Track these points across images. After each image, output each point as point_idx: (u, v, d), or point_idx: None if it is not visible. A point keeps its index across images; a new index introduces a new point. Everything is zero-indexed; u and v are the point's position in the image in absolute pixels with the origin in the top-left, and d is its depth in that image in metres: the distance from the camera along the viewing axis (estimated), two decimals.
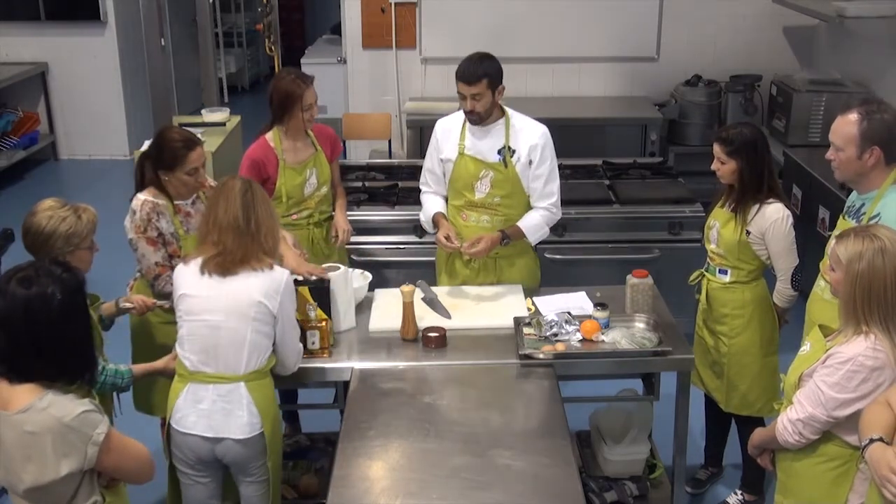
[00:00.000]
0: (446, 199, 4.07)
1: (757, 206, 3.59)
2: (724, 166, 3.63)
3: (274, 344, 3.18)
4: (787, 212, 3.58)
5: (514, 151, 3.88)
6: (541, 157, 3.89)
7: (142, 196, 3.62)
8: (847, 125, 3.18)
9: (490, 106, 3.82)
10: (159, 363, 3.34)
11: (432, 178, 4.08)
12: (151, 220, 3.59)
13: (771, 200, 3.59)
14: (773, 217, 3.57)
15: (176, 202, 3.67)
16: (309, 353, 3.43)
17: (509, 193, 3.91)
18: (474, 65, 3.79)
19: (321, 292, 3.46)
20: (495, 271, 4.04)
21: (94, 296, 3.31)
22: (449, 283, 4.09)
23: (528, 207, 3.97)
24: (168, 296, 3.60)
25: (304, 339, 3.41)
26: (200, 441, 3.10)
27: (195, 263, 3.14)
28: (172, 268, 3.62)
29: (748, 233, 3.61)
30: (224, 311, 3.07)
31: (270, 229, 3.17)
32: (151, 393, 3.80)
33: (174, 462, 3.18)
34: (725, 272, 3.72)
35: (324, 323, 3.43)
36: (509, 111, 3.94)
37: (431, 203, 4.07)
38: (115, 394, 3.34)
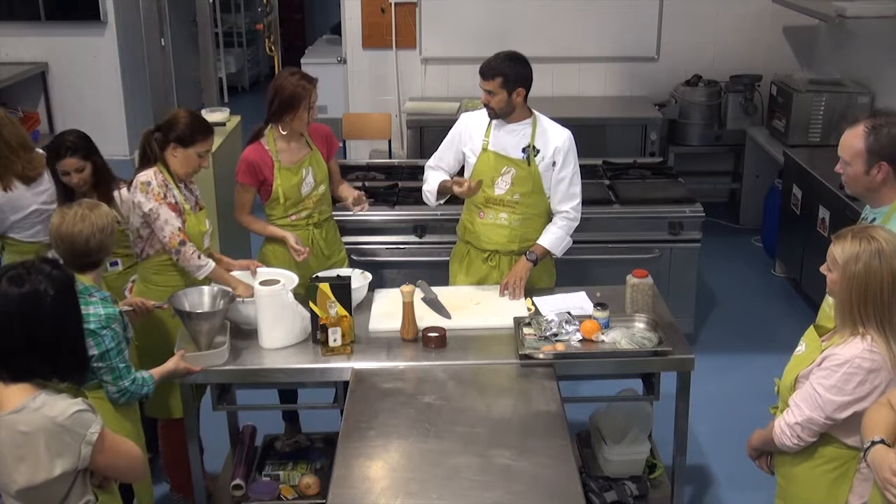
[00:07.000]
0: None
1: None
2: None
3: None
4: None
5: (538, 151, 3.89)
6: (564, 160, 3.91)
7: (149, 170, 3.69)
8: (854, 139, 3.08)
9: (504, 105, 3.83)
10: (169, 365, 3.32)
11: (441, 162, 4.06)
12: (168, 186, 3.68)
13: None
14: None
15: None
16: (331, 350, 3.44)
17: (529, 192, 3.92)
18: (493, 61, 3.81)
19: (342, 289, 3.45)
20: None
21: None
22: (466, 282, 4.07)
23: (547, 208, 3.98)
24: (188, 278, 3.67)
25: (325, 336, 3.43)
26: None
27: None
28: None
29: None
30: None
31: None
32: (165, 394, 3.78)
33: None
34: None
35: (345, 320, 3.44)
36: (537, 114, 3.96)
37: (434, 177, 4.04)
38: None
